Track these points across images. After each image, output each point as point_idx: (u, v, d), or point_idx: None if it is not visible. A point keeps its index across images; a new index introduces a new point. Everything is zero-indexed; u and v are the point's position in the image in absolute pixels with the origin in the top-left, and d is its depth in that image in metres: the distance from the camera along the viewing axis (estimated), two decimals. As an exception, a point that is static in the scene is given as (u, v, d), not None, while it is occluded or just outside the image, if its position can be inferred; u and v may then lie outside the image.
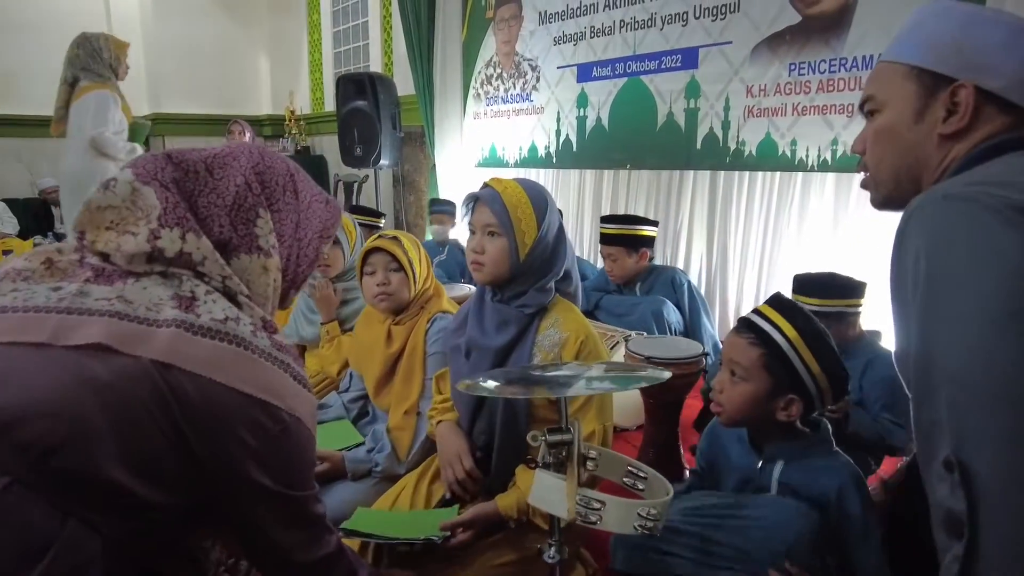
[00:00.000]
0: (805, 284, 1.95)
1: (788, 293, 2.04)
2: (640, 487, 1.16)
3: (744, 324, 1.31)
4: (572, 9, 3.94)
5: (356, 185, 5.84)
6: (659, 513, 1.00)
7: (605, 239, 2.83)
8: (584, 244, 4.12)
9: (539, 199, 1.39)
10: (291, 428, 0.85)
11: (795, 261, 3.05)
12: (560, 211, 3.13)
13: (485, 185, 1.42)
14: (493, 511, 1.33)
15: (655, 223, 2.88)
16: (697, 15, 3.29)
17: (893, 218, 2.97)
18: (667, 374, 1.09)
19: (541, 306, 1.43)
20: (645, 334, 2.30)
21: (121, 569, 0.81)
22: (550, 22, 4.10)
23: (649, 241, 2.83)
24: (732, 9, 3.15)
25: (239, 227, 0.90)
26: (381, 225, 3.78)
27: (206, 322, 0.81)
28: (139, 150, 3.86)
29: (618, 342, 2.15)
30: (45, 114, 4.01)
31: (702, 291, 3.22)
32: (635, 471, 1.16)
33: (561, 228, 1.44)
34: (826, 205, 2.97)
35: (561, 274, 1.45)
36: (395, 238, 1.85)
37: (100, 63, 3.74)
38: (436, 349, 1.79)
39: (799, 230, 3.07)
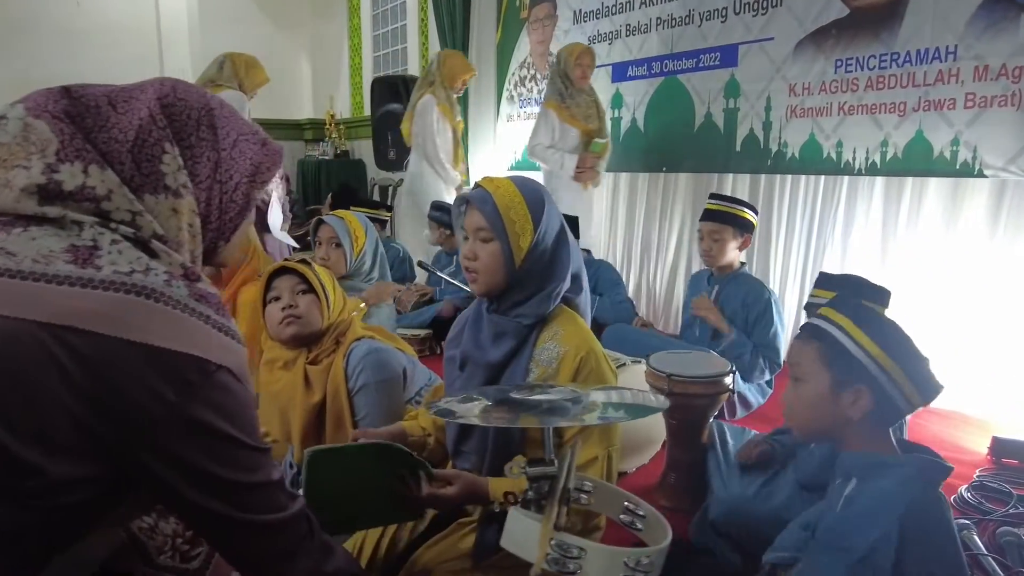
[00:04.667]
0: (826, 279, 1.85)
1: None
2: (639, 526, 1.03)
3: (803, 327, 1.22)
4: (607, 7, 3.81)
5: (392, 188, 5.81)
6: (651, 562, 0.87)
7: (713, 215, 2.52)
8: (616, 251, 3.97)
9: (535, 198, 1.28)
10: (218, 378, 0.75)
11: (840, 271, 2.85)
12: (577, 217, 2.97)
13: (477, 185, 1.32)
14: (483, 485, 1.21)
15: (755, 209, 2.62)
16: (737, 10, 3.13)
17: (949, 227, 2.72)
18: (665, 404, 0.95)
19: (540, 317, 1.31)
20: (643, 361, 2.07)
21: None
22: (585, 21, 3.97)
23: (752, 227, 2.54)
24: (774, 3, 2.98)
25: (143, 164, 0.79)
26: (387, 218, 3.72)
27: (107, 275, 0.71)
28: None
29: (623, 364, 2.00)
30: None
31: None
32: (633, 508, 1.04)
33: (563, 229, 1.32)
34: (875, 211, 2.78)
35: (568, 282, 1.34)
36: (304, 260, 1.67)
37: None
38: (363, 381, 1.59)
39: (845, 238, 2.89)
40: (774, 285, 3.17)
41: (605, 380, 1.30)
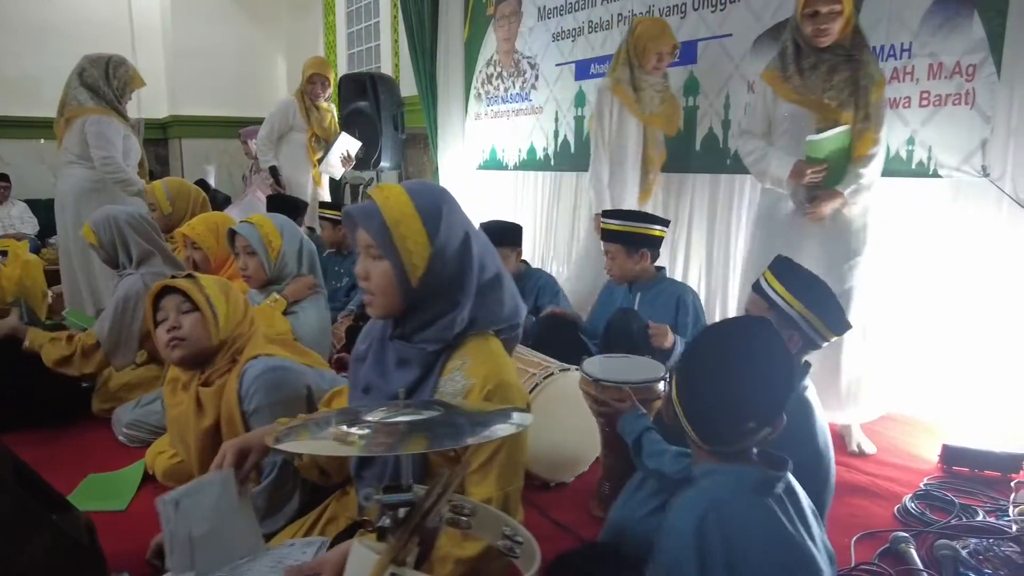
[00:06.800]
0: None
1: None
2: (516, 552, 0.96)
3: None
4: (571, 4, 3.74)
5: (362, 188, 5.72)
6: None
7: (605, 235, 2.50)
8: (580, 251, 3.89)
9: (430, 206, 1.14)
10: None
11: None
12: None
13: (367, 196, 1.19)
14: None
15: (664, 223, 2.49)
16: (696, 6, 3.07)
17: (907, 226, 2.61)
18: (518, 426, 0.89)
19: (446, 342, 1.19)
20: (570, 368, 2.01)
21: None
22: (549, 17, 3.90)
23: (652, 242, 2.44)
24: (732, -2, 2.91)
25: None
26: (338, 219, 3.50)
27: None
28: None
29: (551, 374, 1.92)
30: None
31: (702, 302, 2.96)
32: (511, 534, 0.97)
33: (468, 240, 1.18)
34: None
35: (471, 295, 1.18)
36: (190, 275, 1.56)
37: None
38: (257, 403, 1.49)
39: (803, 239, 2.80)
40: (734, 286, 3.11)
41: None
